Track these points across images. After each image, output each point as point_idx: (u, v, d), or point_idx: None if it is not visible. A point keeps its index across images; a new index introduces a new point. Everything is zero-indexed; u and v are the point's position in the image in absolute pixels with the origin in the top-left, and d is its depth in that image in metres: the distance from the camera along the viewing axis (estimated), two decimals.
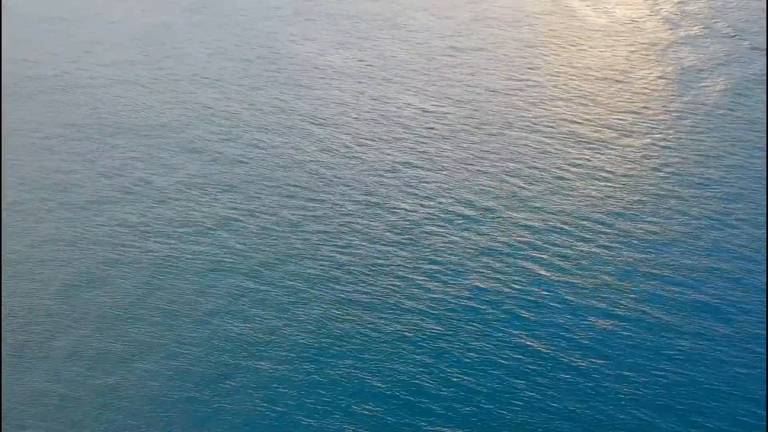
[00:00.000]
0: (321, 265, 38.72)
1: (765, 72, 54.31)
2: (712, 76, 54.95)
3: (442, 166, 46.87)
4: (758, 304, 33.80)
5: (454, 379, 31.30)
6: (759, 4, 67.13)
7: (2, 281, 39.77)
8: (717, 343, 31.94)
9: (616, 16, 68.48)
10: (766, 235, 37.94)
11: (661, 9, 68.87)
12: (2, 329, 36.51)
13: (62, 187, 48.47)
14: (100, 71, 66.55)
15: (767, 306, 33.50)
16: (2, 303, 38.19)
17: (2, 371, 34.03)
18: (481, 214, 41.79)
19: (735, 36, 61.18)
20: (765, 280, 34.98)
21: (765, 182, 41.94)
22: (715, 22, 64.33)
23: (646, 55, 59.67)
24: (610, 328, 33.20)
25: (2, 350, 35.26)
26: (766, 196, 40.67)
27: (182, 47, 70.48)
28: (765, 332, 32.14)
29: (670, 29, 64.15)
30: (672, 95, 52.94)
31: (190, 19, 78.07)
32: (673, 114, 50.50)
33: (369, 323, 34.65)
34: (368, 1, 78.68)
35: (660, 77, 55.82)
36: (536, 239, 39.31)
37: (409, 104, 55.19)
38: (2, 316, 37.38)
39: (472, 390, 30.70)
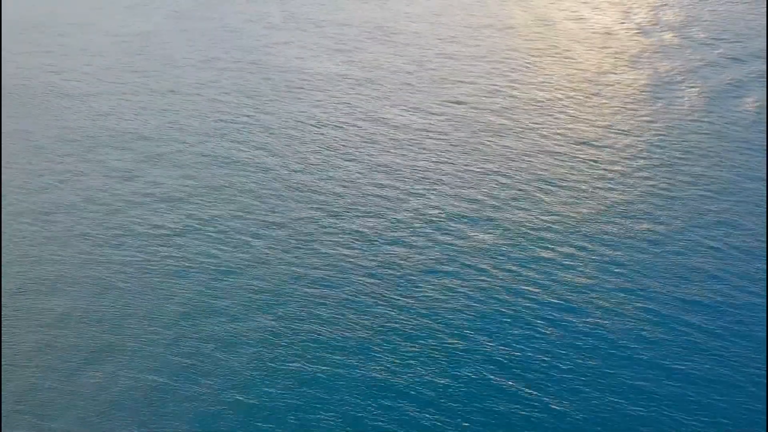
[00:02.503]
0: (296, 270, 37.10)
1: (734, 78, 53.51)
2: (686, 83, 53.91)
3: (428, 173, 45.41)
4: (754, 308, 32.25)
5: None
6: (733, 11, 66.61)
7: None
8: (713, 344, 30.37)
9: (593, 24, 67.55)
10: (766, 238, 36.56)
11: (635, 17, 68.26)
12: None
13: (42, 196, 46.76)
14: (84, 79, 64.99)
15: (767, 306, 32.16)
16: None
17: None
18: (464, 221, 40.26)
19: (709, 44, 60.42)
20: (765, 285, 33.49)
21: (764, 190, 40.59)
22: (690, 29, 63.69)
23: (623, 62, 58.68)
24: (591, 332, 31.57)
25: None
26: (766, 202, 39.28)
27: (167, 55, 69.02)
28: (765, 327, 30.69)
29: (644, 37, 63.40)
30: (646, 102, 51.75)
31: (175, 27, 76.78)
32: (646, 121, 49.20)
33: (335, 325, 32.92)
34: (358, 8, 77.66)
35: (634, 85, 54.71)
36: (525, 244, 37.78)
37: (396, 112, 53.79)
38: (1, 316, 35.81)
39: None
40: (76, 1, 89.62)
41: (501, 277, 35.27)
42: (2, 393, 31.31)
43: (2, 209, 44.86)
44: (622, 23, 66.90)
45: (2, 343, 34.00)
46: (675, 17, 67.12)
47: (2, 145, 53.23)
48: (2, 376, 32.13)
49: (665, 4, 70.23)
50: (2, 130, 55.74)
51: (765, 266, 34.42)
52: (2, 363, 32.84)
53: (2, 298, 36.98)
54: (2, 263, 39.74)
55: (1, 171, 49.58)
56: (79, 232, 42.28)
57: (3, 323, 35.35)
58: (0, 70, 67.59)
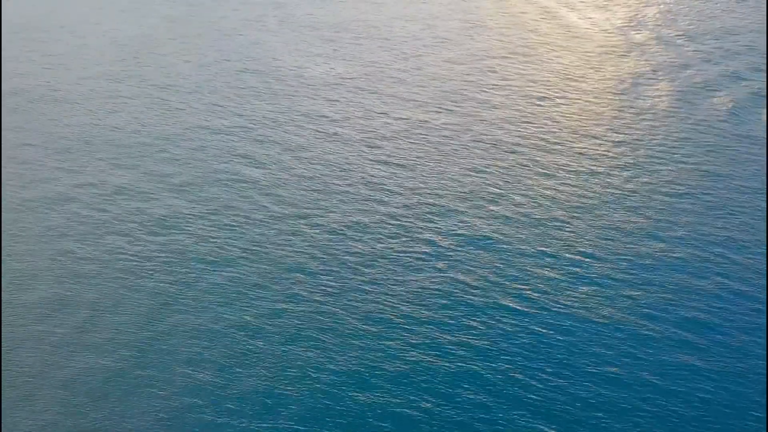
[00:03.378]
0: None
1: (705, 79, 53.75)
2: (663, 82, 54.00)
3: (419, 174, 45.02)
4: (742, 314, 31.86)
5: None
6: (708, 10, 66.82)
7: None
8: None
9: (579, 24, 67.52)
10: (766, 240, 36.08)
11: (617, 17, 68.47)
12: None
13: (33, 192, 46.16)
14: (79, 82, 64.41)
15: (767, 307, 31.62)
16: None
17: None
18: (456, 218, 39.89)
19: (686, 44, 60.69)
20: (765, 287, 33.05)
21: None
22: (667, 29, 64.01)
23: (604, 61, 58.78)
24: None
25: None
26: (766, 204, 38.83)
27: (164, 58, 68.52)
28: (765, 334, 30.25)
29: (623, 36, 63.46)
30: (624, 102, 51.73)
31: (171, 30, 76.43)
32: (625, 120, 49.28)
33: (326, 315, 32.43)
34: (353, 10, 77.47)
35: (613, 84, 54.67)
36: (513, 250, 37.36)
37: (391, 111, 53.50)
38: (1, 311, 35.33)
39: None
40: (70, 4, 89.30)
41: (489, 278, 35.01)
42: None
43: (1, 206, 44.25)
44: (606, 25, 67.02)
45: None
46: (656, 17, 67.36)
47: (1, 145, 52.54)
48: None
49: (647, 5, 70.47)
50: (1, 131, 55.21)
51: (765, 268, 33.99)
52: None
53: None
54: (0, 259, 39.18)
55: (1, 170, 48.87)
56: (67, 228, 41.68)
57: None
58: (0, 72, 67.06)
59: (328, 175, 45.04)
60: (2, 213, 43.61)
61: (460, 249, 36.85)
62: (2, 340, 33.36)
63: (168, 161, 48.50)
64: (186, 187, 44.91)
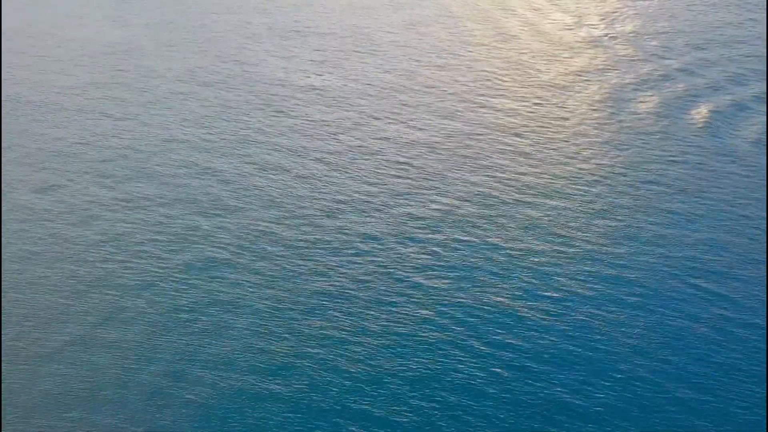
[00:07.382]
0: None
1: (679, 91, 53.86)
2: (639, 95, 53.90)
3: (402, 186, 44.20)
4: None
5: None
6: (679, 21, 66.37)
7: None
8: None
9: (576, 34, 66.89)
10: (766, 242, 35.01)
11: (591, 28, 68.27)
12: None
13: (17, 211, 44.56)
14: (59, 93, 62.85)
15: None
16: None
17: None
18: (448, 230, 39.35)
19: (661, 55, 60.72)
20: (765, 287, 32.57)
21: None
22: (644, 40, 64.38)
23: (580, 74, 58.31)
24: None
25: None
26: (766, 212, 37.61)
27: (148, 67, 67.08)
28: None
29: (598, 49, 63.37)
30: (599, 114, 51.38)
31: (156, 38, 75.04)
32: (596, 132, 48.89)
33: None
34: (344, 18, 76.51)
35: (590, 96, 54.51)
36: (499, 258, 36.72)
37: (380, 124, 52.72)
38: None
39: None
40: (52, 12, 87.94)
41: (478, 289, 34.18)
42: None
43: None
44: (602, 34, 66.80)
45: None
46: (645, 28, 67.19)
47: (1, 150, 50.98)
48: None
49: (638, 14, 70.21)
50: None
51: (765, 277, 32.99)
52: None
53: None
54: None
55: (1, 176, 47.28)
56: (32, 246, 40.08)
57: None
58: (0, 80, 65.33)
59: (308, 194, 43.81)
60: None
61: (440, 271, 35.95)
62: None
63: (153, 170, 47.10)
64: (170, 192, 43.61)
